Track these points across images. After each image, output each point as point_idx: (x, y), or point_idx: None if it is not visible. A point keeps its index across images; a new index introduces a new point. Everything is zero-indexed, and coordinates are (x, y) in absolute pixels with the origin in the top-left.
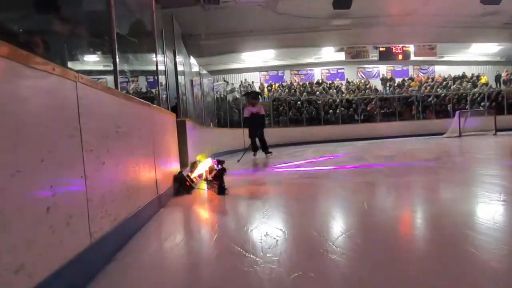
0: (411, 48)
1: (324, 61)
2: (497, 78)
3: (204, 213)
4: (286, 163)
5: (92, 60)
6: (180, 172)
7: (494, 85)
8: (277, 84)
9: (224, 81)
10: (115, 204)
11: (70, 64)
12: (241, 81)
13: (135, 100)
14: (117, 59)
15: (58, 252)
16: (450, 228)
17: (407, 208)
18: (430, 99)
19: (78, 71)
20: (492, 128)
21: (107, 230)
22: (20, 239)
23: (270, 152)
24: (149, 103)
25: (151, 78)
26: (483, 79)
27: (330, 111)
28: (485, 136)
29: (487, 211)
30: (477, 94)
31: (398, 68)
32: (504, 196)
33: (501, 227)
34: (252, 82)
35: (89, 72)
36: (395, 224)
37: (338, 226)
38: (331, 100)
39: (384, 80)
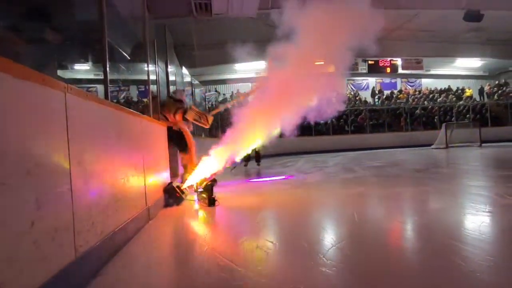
0: (398, 61)
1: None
2: (481, 91)
3: (193, 225)
4: (278, 173)
5: (83, 69)
6: (170, 183)
7: (478, 98)
8: None
9: (216, 91)
10: (102, 217)
11: (60, 73)
12: (232, 92)
13: (125, 110)
14: (108, 69)
15: (41, 268)
16: (438, 239)
17: (397, 219)
18: (417, 111)
19: (68, 80)
20: (477, 139)
21: (93, 244)
22: (1, 256)
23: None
24: (139, 113)
25: (142, 87)
26: (468, 92)
27: (321, 121)
28: (470, 147)
29: (474, 222)
30: (462, 107)
31: (387, 80)
32: (489, 207)
33: (487, 238)
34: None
35: (79, 81)
36: (384, 235)
37: (329, 238)
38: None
39: (373, 93)
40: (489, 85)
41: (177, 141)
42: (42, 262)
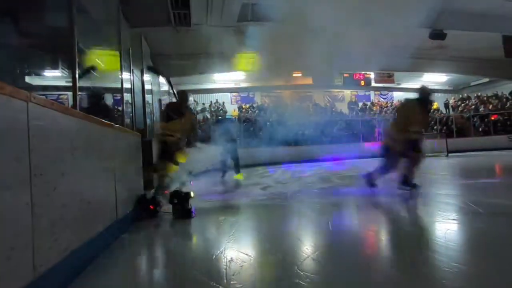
0: (372, 75)
1: (293, 84)
2: (446, 105)
3: (167, 239)
4: (256, 184)
5: (53, 75)
6: (144, 195)
7: (444, 111)
8: (248, 105)
9: (194, 101)
10: (67, 232)
11: (28, 79)
12: (211, 101)
13: (95, 120)
14: (77, 75)
15: None
16: (408, 247)
17: (369, 228)
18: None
19: (37, 87)
20: (444, 150)
21: (55, 262)
22: None
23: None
24: (111, 123)
25: (118, 96)
26: (435, 105)
27: (300, 132)
28: (438, 157)
29: (440, 229)
30: (429, 119)
31: (361, 93)
32: (456, 215)
33: (453, 245)
34: (223, 103)
35: (48, 88)
36: (357, 245)
37: (303, 248)
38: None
39: (349, 104)
40: (453, 98)
41: None
42: None
